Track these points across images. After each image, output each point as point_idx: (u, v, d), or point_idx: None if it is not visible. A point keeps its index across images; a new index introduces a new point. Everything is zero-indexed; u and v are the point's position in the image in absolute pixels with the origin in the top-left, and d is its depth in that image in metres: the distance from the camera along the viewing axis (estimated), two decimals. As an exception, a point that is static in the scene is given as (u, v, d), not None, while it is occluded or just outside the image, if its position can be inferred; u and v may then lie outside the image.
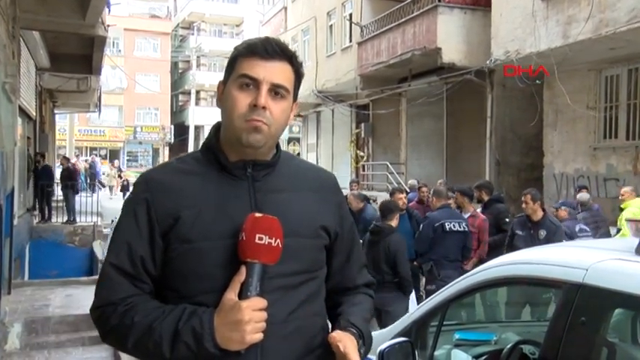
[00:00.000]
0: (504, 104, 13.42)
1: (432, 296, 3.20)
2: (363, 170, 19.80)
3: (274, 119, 1.49)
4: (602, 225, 8.38)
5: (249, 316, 1.36)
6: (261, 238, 1.39)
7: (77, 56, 12.53)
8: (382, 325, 5.16)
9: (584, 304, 2.18)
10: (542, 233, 6.39)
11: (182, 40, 47.69)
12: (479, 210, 7.95)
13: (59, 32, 9.21)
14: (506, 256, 2.87)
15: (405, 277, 5.89)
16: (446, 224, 6.67)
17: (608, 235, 8.26)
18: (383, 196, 14.31)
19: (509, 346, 2.88)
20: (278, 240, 1.41)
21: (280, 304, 1.45)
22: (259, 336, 1.38)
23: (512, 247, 6.37)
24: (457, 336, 3.47)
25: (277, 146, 1.60)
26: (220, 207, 1.47)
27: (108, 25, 10.73)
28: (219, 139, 1.57)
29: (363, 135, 20.25)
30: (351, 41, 18.92)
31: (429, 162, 16.56)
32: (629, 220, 1.90)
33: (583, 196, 8.83)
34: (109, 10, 12.78)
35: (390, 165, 16.92)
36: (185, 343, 1.37)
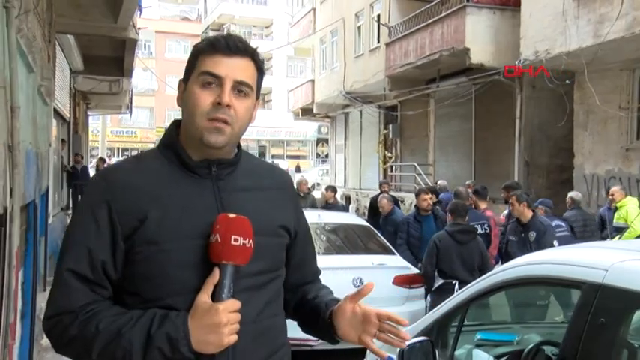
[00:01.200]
0: (533, 105, 13.28)
1: (452, 296, 3.22)
2: (391, 171, 19.75)
3: (238, 118, 1.47)
4: (589, 224, 8.42)
5: (226, 319, 1.35)
6: (236, 240, 1.38)
7: (109, 59, 12.78)
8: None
9: (603, 305, 2.16)
10: (532, 235, 6.22)
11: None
12: (505, 212, 7.94)
13: (92, 35, 9.41)
14: (526, 256, 2.88)
15: None
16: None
17: (596, 234, 8.30)
18: (410, 198, 14.29)
19: (530, 347, 2.88)
20: (250, 240, 1.40)
21: (250, 304, 1.43)
22: (235, 337, 1.37)
23: (506, 254, 6.27)
24: (478, 336, 3.48)
25: (238, 145, 1.58)
26: (186, 207, 1.44)
27: (139, 28, 10.94)
28: (179, 137, 1.53)
29: (391, 136, 20.20)
30: (379, 42, 18.88)
31: (457, 163, 16.46)
32: None
33: (573, 194, 8.79)
34: (141, 14, 13.02)
35: (417, 166, 16.85)
36: (159, 348, 1.34)
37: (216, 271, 1.38)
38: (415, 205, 8.07)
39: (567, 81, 11.63)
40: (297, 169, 37.63)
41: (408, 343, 3.00)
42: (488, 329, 3.67)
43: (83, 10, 7.73)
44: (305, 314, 1.63)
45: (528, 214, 6.35)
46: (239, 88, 1.47)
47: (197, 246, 1.41)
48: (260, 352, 1.49)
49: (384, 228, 8.46)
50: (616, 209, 8.56)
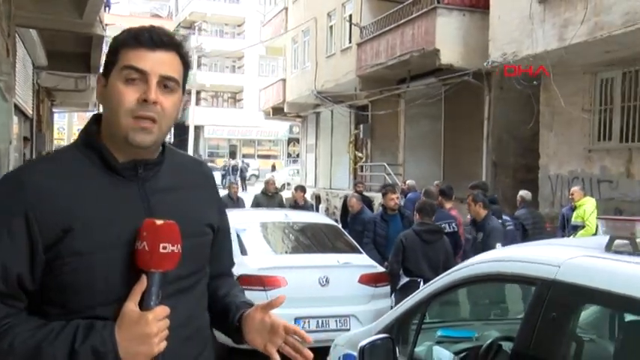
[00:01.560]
0: (501, 106, 13.45)
1: (413, 294, 3.24)
2: (362, 171, 19.81)
3: (165, 114, 1.39)
4: (538, 221, 8.68)
5: (156, 328, 1.30)
6: (165, 247, 1.32)
7: (75, 55, 12.52)
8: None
9: (555, 300, 2.22)
10: (480, 235, 6.33)
11: (183, 39, 47.72)
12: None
13: (56, 30, 9.23)
14: (485, 254, 2.91)
15: None
16: (440, 226, 6.75)
17: (544, 231, 8.61)
18: (380, 198, 14.33)
19: (487, 343, 2.92)
20: (179, 245, 1.35)
21: (180, 307, 1.39)
22: (164, 344, 1.32)
23: (464, 253, 6.41)
24: (439, 333, 3.51)
25: (163, 142, 1.51)
26: (113, 213, 1.36)
27: (106, 25, 10.77)
28: (100, 135, 1.43)
29: (361, 136, 20.26)
30: (350, 42, 18.93)
31: (427, 163, 16.58)
32: (600, 218, 1.92)
33: (523, 193, 9.01)
34: (109, 9, 12.86)
35: (387, 166, 16.94)
36: None
37: (144, 279, 1.32)
38: (382, 205, 8.10)
39: (535, 82, 11.80)
40: (273, 168, 38.02)
41: (368, 340, 3.02)
42: (450, 326, 3.70)
43: (45, 4, 7.55)
44: (215, 312, 1.60)
45: (482, 213, 6.42)
46: (165, 83, 1.39)
47: (125, 254, 1.34)
48: (190, 354, 1.47)
49: (352, 227, 8.49)
50: (575, 208, 8.79)
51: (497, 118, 13.50)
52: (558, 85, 10.71)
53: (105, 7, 11.19)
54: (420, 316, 3.16)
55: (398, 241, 5.98)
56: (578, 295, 2.19)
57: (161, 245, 1.32)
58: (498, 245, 5.79)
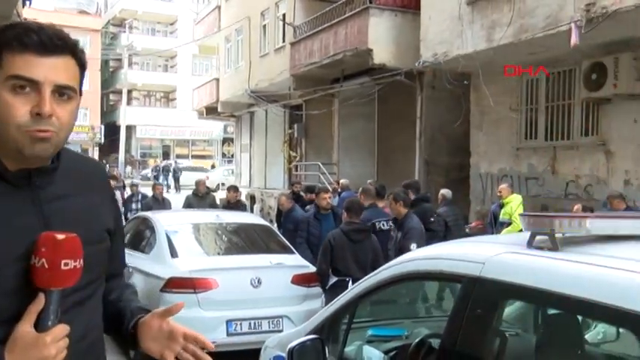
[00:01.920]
0: (433, 105, 13.68)
1: (343, 293, 3.21)
2: (296, 170, 19.78)
3: (63, 125, 1.26)
4: (459, 218, 9.06)
5: (55, 350, 1.19)
6: (66, 264, 1.21)
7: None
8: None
9: (480, 297, 2.24)
10: (399, 235, 6.39)
11: (113, 37, 46.43)
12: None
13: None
14: (413, 252, 2.91)
15: None
16: (376, 224, 6.78)
17: (463, 227, 9.02)
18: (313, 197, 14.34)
19: (416, 341, 2.93)
20: (80, 260, 1.24)
21: (77, 321, 1.29)
22: None
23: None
24: (369, 332, 3.50)
25: None
26: (4, 227, 1.23)
27: (25, 19, 10.28)
28: None
29: (296, 135, 20.24)
30: (284, 41, 18.87)
31: (361, 162, 16.71)
32: (521, 215, 1.95)
33: (444, 191, 9.28)
34: (30, 3, 12.28)
35: (321, 165, 16.97)
36: None
37: (41, 298, 1.21)
38: (315, 204, 8.09)
39: (465, 82, 12.06)
40: (212, 168, 37.96)
41: (298, 341, 2.97)
42: (380, 325, 3.69)
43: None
44: (107, 316, 1.50)
45: (403, 212, 6.45)
46: (61, 91, 1.25)
47: (18, 270, 1.21)
48: None
49: (284, 226, 8.46)
50: (503, 205, 9.05)
51: (429, 118, 13.73)
52: (487, 85, 10.99)
53: (24, 0, 10.70)
54: (349, 316, 3.14)
55: (326, 241, 5.96)
56: (502, 291, 2.21)
57: (62, 262, 1.20)
58: (413, 245, 5.75)
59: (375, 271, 2.96)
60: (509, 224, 8.75)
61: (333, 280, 5.80)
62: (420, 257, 2.74)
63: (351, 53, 14.09)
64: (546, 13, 8.97)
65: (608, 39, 8.73)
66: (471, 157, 12.56)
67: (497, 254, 2.27)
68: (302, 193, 11.05)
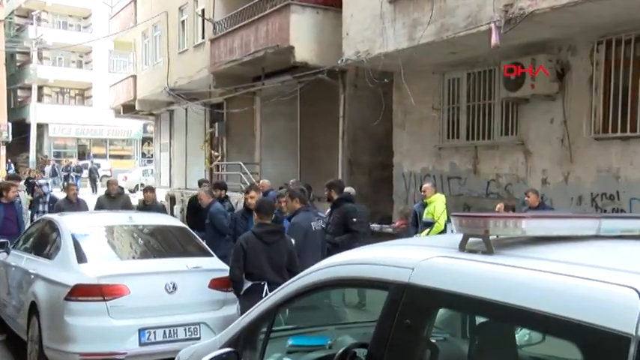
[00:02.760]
0: (356, 104, 13.63)
1: (260, 301, 2.95)
2: (218, 170, 19.32)
3: None
4: (363, 215, 8.71)
5: None
6: None
7: None
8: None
9: (410, 305, 2.07)
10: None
11: (19, 29, 44.02)
12: (328, 210, 7.97)
13: None
14: (336, 256, 2.69)
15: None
16: (312, 225, 6.60)
17: (369, 227, 8.75)
18: (236, 197, 13.99)
19: (340, 351, 2.70)
20: None
21: None
22: None
23: None
24: (290, 342, 3.26)
25: None
26: None
27: None
28: None
29: (217, 134, 19.81)
30: (203, 38, 18.38)
31: (283, 162, 16.49)
32: (453, 215, 1.83)
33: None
34: None
35: (243, 165, 16.64)
36: None
37: None
38: (244, 203, 7.89)
39: (385, 80, 12.03)
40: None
41: (210, 356, 2.69)
42: (301, 334, 3.46)
43: None
44: None
45: (297, 208, 6.60)
46: None
47: None
48: None
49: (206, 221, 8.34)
50: (426, 205, 9.03)
51: (351, 116, 13.68)
52: (409, 84, 10.99)
53: None
54: (268, 325, 2.89)
55: (237, 245, 5.68)
56: (433, 298, 2.04)
57: None
58: (292, 241, 5.92)
59: (295, 277, 2.74)
60: (432, 224, 8.73)
61: (248, 284, 5.53)
62: (343, 262, 2.52)
63: (273, 51, 13.83)
64: (466, 13, 9.02)
65: (526, 40, 8.88)
66: (393, 156, 12.56)
67: (427, 259, 2.10)
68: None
